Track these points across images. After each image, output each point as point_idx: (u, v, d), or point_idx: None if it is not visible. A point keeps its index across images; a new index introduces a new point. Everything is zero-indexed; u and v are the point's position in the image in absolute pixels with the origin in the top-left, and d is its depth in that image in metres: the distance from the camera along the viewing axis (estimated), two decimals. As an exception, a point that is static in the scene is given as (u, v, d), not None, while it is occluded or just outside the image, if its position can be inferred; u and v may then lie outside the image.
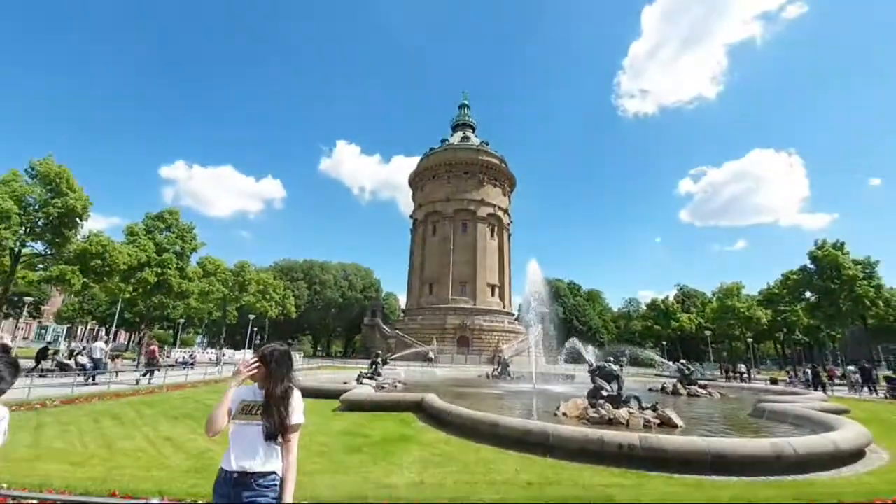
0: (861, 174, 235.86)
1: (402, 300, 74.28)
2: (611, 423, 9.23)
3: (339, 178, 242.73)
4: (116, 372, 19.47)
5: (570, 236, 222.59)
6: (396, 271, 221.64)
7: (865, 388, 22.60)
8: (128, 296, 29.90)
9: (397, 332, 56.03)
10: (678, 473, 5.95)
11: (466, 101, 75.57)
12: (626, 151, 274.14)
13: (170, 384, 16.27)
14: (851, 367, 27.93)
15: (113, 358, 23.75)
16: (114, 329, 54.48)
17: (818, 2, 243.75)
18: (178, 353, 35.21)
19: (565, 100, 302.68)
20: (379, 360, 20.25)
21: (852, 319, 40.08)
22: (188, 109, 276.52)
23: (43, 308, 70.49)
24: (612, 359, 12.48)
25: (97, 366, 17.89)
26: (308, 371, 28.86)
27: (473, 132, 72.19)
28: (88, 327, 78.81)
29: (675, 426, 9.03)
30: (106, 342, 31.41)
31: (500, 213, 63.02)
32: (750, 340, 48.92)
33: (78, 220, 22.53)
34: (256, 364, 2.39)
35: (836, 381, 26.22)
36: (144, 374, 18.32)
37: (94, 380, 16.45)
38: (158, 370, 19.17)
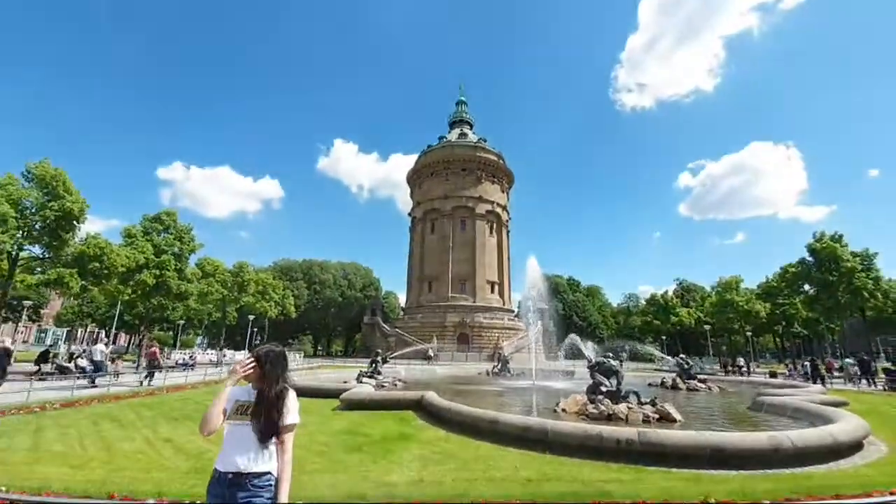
0: (859, 165, 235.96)
1: (402, 298, 74.39)
2: (610, 418, 9.26)
3: (338, 176, 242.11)
4: (117, 374, 19.49)
5: (569, 232, 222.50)
6: (396, 270, 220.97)
7: (864, 381, 22.67)
8: (127, 298, 29.91)
9: (397, 330, 56.09)
10: (677, 468, 5.96)
11: (463, 98, 75.45)
12: (624, 146, 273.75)
13: (169, 386, 16.28)
14: (849, 360, 27.99)
15: (113, 360, 23.75)
16: (113, 331, 54.42)
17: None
18: (177, 355, 35.17)
19: (562, 95, 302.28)
20: (379, 358, 20.28)
21: (851, 312, 40.25)
22: (184, 110, 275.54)
23: (42, 311, 70.40)
24: (611, 354, 12.53)
25: (98, 368, 17.89)
26: (308, 370, 28.94)
27: (471, 129, 72.08)
28: (88, 330, 78.76)
29: (675, 421, 9.06)
30: (106, 345, 31.42)
31: (498, 209, 63.01)
32: (749, 334, 49.08)
33: (75, 222, 22.52)
34: (252, 364, 2.39)
35: (835, 373, 26.27)
36: (146, 376, 18.33)
37: (93, 382, 16.45)
38: (160, 371, 19.16)
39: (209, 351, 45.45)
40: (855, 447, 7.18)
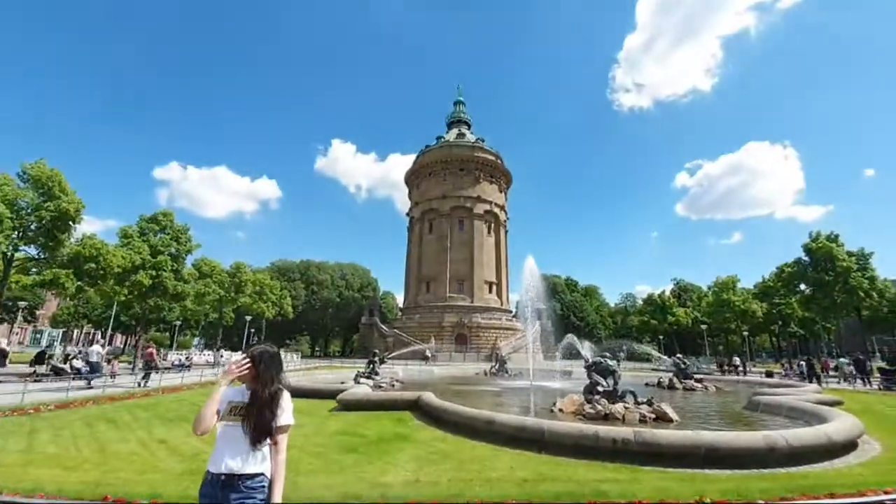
0: (855, 165, 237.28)
1: (400, 299, 74.28)
2: (607, 418, 9.26)
3: (335, 177, 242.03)
4: (113, 375, 19.38)
5: (567, 232, 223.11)
6: (394, 270, 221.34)
7: (860, 380, 22.79)
8: (123, 299, 29.76)
9: (395, 330, 56.03)
10: (672, 468, 5.98)
11: (461, 98, 75.47)
12: (621, 146, 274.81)
13: (165, 387, 16.21)
14: (844, 359, 28.13)
15: (109, 361, 23.62)
16: (110, 332, 54.20)
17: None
18: (174, 356, 35.02)
19: (560, 95, 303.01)
20: (376, 359, 20.24)
21: (847, 311, 40.45)
22: (181, 110, 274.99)
23: (38, 312, 70.11)
24: (608, 354, 12.55)
25: (94, 369, 17.77)
26: (305, 371, 28.83)
27: (469, 129, 72.09)
28: (84, 331, 78.38)
29: (671, 420, 9.08)
30: (102, 346, 31.28)
31: (496, 209, 63.04)
32: (746, 333, 49.32)
33: (71, 223, 22.38)
34: (247, 364, 2.38)
35: (831, 373, 26.40)
36: (144, 377, 18.24)
37: (89, 383, 16.36)
38: (156, 372, 19.06)
39: (206, 352, 45.27)
40: (849, 446, 7.21)
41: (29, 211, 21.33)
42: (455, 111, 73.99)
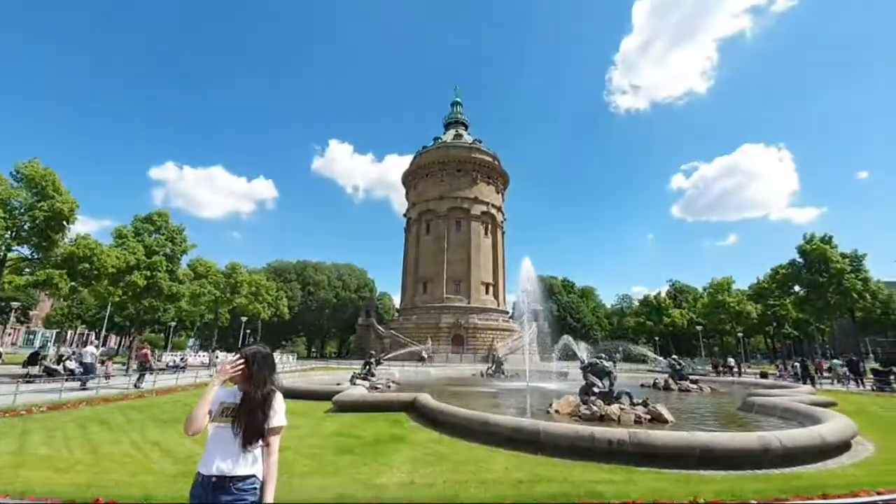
0: (849, 167, 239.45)
1: (397, 300, 74.21)
2: (602, 419, 9.28)
3: (333, 177, 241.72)
4: (108, 376, 19.22)
5: (563, 233, 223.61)
6: (391, 271, 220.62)
7: (853, 381, 22.95)
8: (117, 299, 29.52)
9: (392, 331, 55.92)
10: (667, 468, 5.99)
11: (459, 99, 75.52)
12: (618, 147, 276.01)
13: (159, 388, 16.10)
14: (837, 361, 28.36)
15: (102, 362, 23.45)
16: (104, 333, 53.77)
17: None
18: (168, 357, 34.79)
19: (557, 96, 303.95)
20: (372, 360, 20.21)
21: (840, 313, 40.72)
22: (177, 109, 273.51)
23: (31, 313, 69.48)
24: (604, 355, 12.57)
25: (88, 371, 17.62)
26: (301, 372, 28.74)
27: (466, 130, 72.18)
28: (78, 332, 77.75)
29: (666, 421, 9.11)
30: (96, 346, 31.00)
31: (493, 210, 63.10)
32: (741, 335, 49.59)
33: (65, 223, 22.22)
34: (241, 364, 2.36)
35: (825, 374, 26.58)
36: (139, 378, 18.11)
37: (84, 384, 16.22)
38: (150, 373, 18.94)
39: (201, 353, 45.02)
40: (843, 447, 7.26)
41: (22, 211, 21.14)
42: (452, 112, 74.05)
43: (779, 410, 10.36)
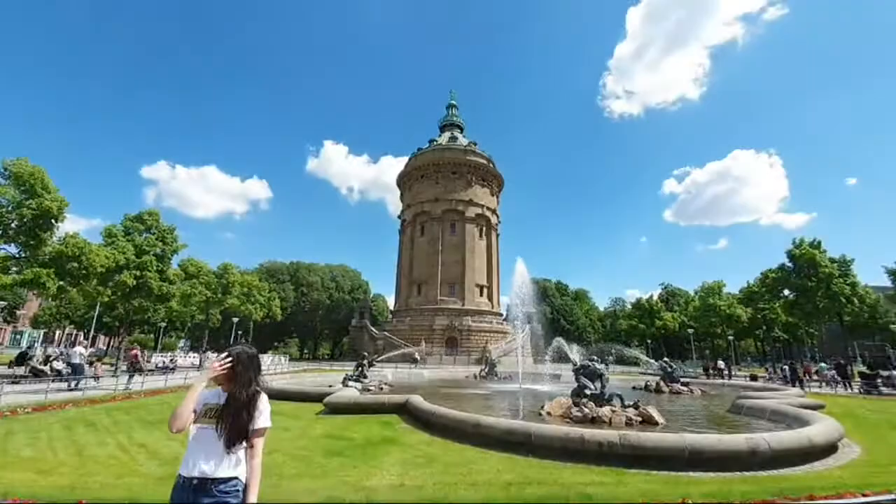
0: (838, 174, 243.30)
1: (391, 301, 73.98)
2: (594, 421, 9.31)
3: (327, 178, 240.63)
4: (96, 377, 18.94)
5: (557, 236, 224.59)
6: (385, 272, 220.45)
7: (841, 384, 23.23)
8: (106, 299, 29.17)
9: (385, 333, 55.74)
10: (657, 470, 6.02)
11: (454, 102, 75.64)
12: (611, 152, 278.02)
13: (148, 389, 15.90)
14: (823, 364, 28.73)
15: (91, 363, 23.11)
16: (92, 333, 53.04)
17: (797, 4, 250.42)
18: (158, 358, 34.37)
19: (552, 101, 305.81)
20: (365, 362, 20.09)
21: (829, 316, 41.28)
22: (170, 108, 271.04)
23: (18, 313, 68.36)
24: (596, 357, 12.63)
25: (77, 371, 17.35)
26: (293, 374, 28.52)
27: (461, 132, 72.32)
28: (66, 332, 76.60)
29: (656, 423, 9.16)
30: (85, 347, 30.53)
31: (488, 213, 63.20)
32: (731, 338, 50.04)
33: (53, 221, 21.92)
34: (230, 362, 2.33)
35: (813, 377, 26.89)
36: (129, 378, 17.86)
37: (76, 385, 15.97)
38: (140, 374, 18.70)
39: (191, 354, 44.55)
40: (829, 449, 7.34)
41: (9, 209, 20.82)
42: (448, 115, 74.16)
43: (768, 413, 10.45)
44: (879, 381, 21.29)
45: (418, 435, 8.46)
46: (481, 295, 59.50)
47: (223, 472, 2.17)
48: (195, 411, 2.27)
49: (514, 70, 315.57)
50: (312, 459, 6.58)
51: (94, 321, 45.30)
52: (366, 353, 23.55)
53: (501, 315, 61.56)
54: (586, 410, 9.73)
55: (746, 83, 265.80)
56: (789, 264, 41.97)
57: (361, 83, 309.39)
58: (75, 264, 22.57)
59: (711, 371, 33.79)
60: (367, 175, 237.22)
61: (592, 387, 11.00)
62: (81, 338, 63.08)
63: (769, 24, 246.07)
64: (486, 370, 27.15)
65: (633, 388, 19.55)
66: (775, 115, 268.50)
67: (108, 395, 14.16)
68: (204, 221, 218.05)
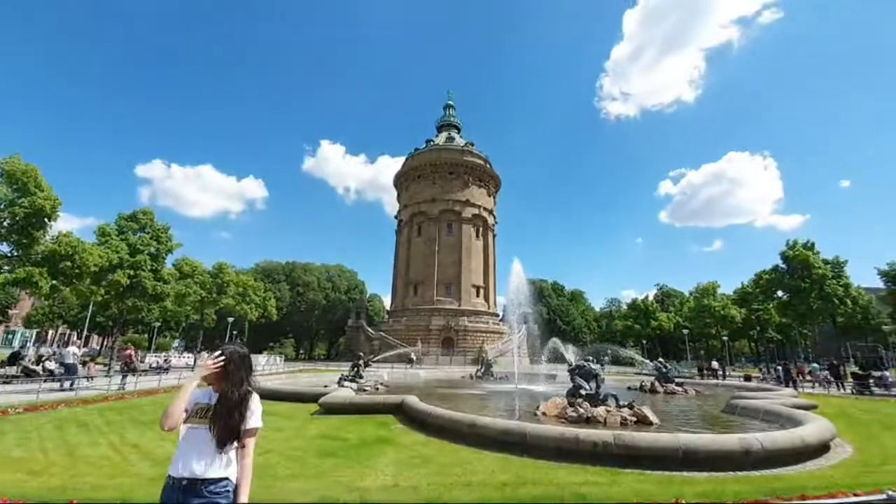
0: (832, 176, 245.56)
1: (387, 302, 73.84)
2: (588, 421, 9.33)
3: (324, 178, 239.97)
4: (90, 377, 18.79)
5: (554, 237, 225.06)
6: (381, 272, 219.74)
7: (834, 385, 23.41)
8: (100, 299, 28.93)
9: (382, 333, 55.63)
10: (650, 470, 6.05)
11: (451, 102, 75.61)
12: (608, 153, 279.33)
13: (141, 390, 15.79)
14: (816, 365, 28.98)
15: (84, 363, 22.91)
16: (85, 333, 52.61)
17: (792, 8, 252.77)
18: (152, 358, 34.13)
19: (549, 102, 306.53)
20: (361, 362, 20.02)
21: (822, 318, 41.55)
22: (166, 106, 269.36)
23: (10, 312, 67.71)
24: (591, 358, 12.63)
25: (70, 372, 17.21)
26: (289, 374, 28.41)
27: (459, 133, 72.31)
28: (59, 332, 75.93)
29: (651, 423, 9.18)
30: (78, 347, 30.30)
31: (485, 213, 63.24)
32: (725, 338, 50.26)
33: (46, 220, 21.72)
34: (223, 360, 2.31)
35: (807, 377, 27.10)
36: (124, 377, 17.72)
37: (70, 385, 15.83)
38: (133, 375, 18.58)
39: (186, 354, 44.28)
40: (822, 449, 7.39)
41: (2, 207, 20.63)
42: (445, 115, 74.15)
43: (761, 413, 10.52)
44: (871, 381, 21.47)
45: (414, 435, 8.45)
46: (478, 295, 59.53)
47: (214, 473, 2.15)
48: (186, 410, 2.25)
49: (512, 71, 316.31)
50: (306, 460, 6.55)
51: (88, 321, 44.93)
52: (362, 354, 23.47)
53: (498, 315, 61.59)
54: (581, 411, 9.75)
55: (741, 86, 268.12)
56: (783, 266, 42.23)
57: (359, 83, 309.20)
58: (68, 263, 22.38)
59: (706, 371, 33.98)
60: (364, 175, 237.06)
61: (588, 387, 11.03)
62: (75, 337, 62.64)
63: (764, 28, 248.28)
64: (483, 370, 27.16)
65: (629, 388, 19.62)
66: (770, 117, 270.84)
67: (101, 395, 14.05)
68: (199, 221, 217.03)
